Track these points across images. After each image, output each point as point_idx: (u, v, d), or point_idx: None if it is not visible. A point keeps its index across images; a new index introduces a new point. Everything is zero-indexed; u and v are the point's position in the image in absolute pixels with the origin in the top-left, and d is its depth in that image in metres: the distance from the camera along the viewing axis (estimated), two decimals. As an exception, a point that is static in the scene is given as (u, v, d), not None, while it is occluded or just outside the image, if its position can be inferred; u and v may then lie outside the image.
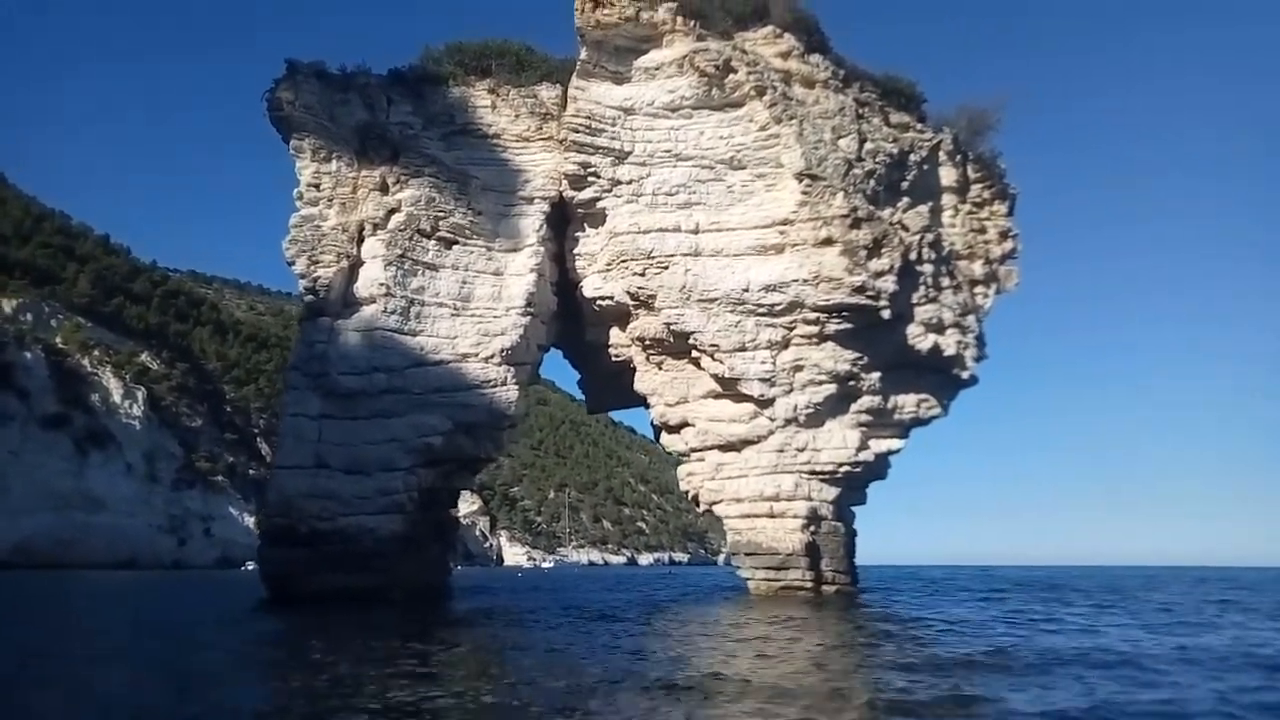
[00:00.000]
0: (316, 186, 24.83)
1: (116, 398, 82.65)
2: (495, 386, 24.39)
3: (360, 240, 24.68)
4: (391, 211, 24.82)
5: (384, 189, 25.09)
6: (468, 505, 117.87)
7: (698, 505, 25.91)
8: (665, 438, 26.06)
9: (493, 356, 24.37)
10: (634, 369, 26.16)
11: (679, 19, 25.17)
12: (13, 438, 71.98)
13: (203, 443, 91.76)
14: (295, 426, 23.41)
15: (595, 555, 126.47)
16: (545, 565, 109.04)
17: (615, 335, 26.49)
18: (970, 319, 24.83)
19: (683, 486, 26.05)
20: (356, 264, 24.49)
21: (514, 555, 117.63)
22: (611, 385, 28.37)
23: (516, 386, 24.72)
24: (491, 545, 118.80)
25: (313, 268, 23.91)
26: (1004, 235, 26.80)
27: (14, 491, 70.62)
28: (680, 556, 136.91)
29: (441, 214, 25.05)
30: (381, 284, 23.94)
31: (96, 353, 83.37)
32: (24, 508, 70.92)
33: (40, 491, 72.27)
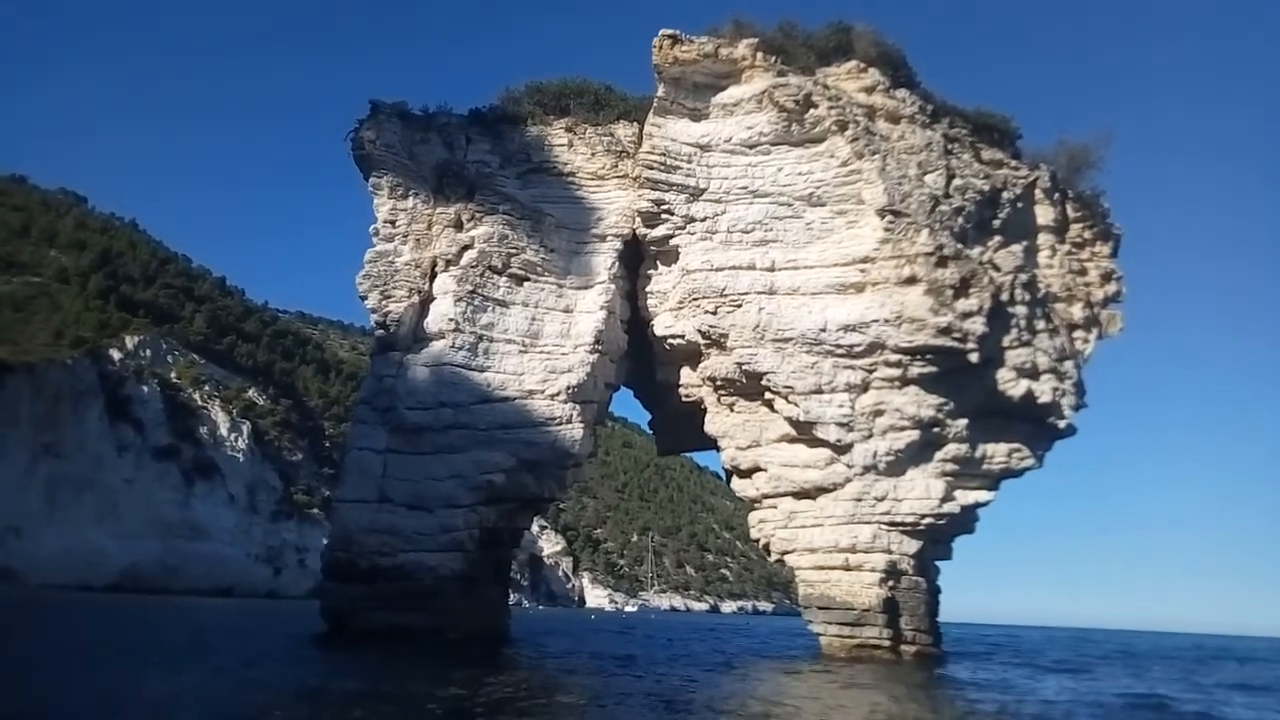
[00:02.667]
0: (392, 223, 25.14)
1: (223, 431, 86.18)
2: (560, 424, 23.90)
3: (432, 276, 24.80)
4: (464, 248, 24.89)
5: (458, 226, 25.21)
6: (552, 545, 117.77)
7: (769, 554, 24.64)
8: (736, 482, 24.98)
9: (559, 394, 23.94)
10: (705, 410, 25.28)
11: (759, 55, 24.66)
12: (127, 467, 75.73)
13: (301, 476, 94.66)
14: (360, 460, 23.42)
15: (677, 601, 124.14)
16: (628, 609, 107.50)
17: (686, 375, 25.72)
18: (1068, 365, 23.04)
19: (753, 534, 24.86)
20: (428, 299, 24.58)
21: (596, 597, 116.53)
22: (683, 427, 27.52)
23: (582, 425, 24.18)
24: (574, 586, 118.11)
25: (384, 302, 24.09)
26: (1107, 277, 25.03)
27: (126, 519, 74.09)
28: (764, 606, 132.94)
29: (514, 251, 24.98)
30: (451, 319, 23.91)
31: (207, 388, 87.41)
32: (134, 534, 74.29)
33: (149, 519, 75.61)
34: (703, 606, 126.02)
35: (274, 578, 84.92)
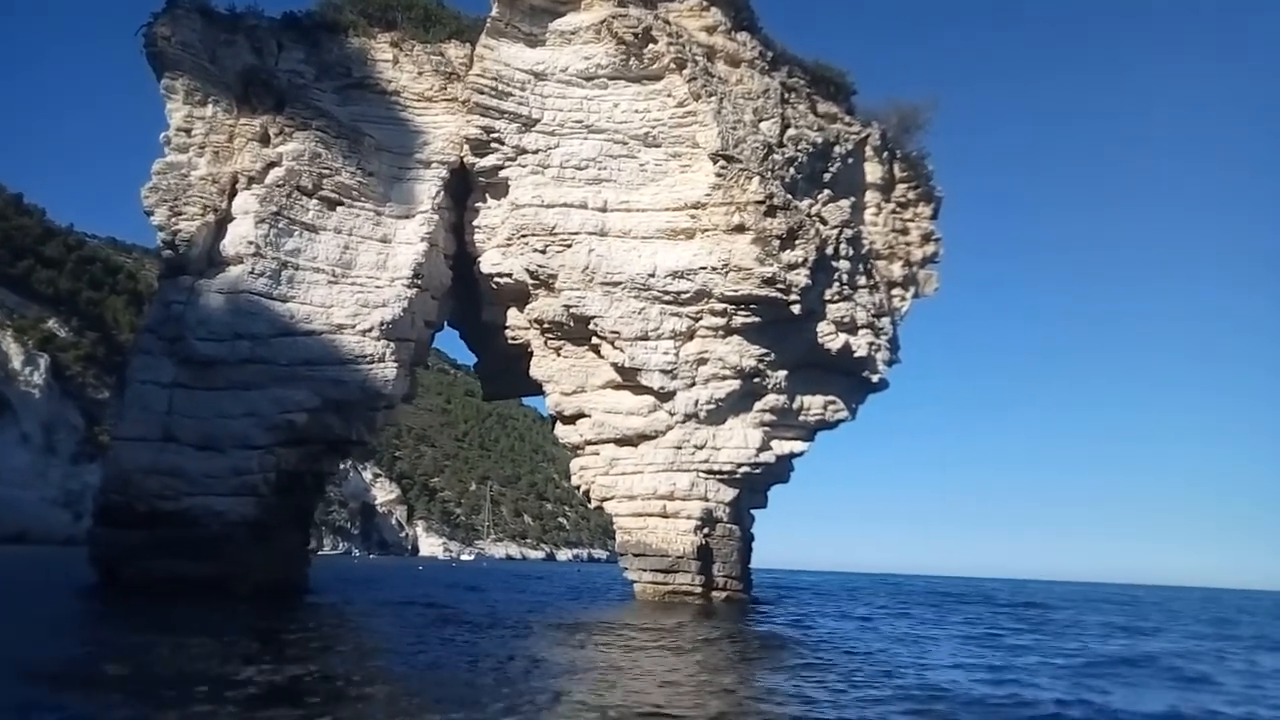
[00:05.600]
0: (187, 131, 22.49)
1: (16, 364, 78.05)
2: (372, 362, 22.34)
3: (232, 194, 22.37)
4: (271, 165, 22.59)
5: (265, 140, 22.86)
6: (385, 494, 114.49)
7: (589, 501, 24.26)
8: (560, 428, 24.32)
9: (371, 329, 22.31)
10: (531, 353, 24.37)
11: (601, -18, 23.48)
12: (-106, 400, 67.27)
13: (108, 415, 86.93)
14: (142, 395, 21.03)
15: (514, 550, 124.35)
16: (462, 558, 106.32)
17: (513, 316, 24.64)
18: (885, 321, 23.64)
19: (574, 481, 24.38)
20: (225, 219, 22.15)
21: (430, 546, 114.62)
22: (509, 370, 26.53)
23: (396, 364, 22.69)
24: (408, 535, 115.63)
25: (174, 220, 21.53)
26: (926, 238, 25.85)
27: (-107, 458, 66.02)
28: (599, 554, 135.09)
29: (327, 171, 22.93)
30: (251, 243, 21.70)
31: (-2, 316, 78.57)
32: (-97, 475, 66.40)
33: (-78, 459, 67.72)
34: (539, 555, 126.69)
35: (73, 523, 78.09)
